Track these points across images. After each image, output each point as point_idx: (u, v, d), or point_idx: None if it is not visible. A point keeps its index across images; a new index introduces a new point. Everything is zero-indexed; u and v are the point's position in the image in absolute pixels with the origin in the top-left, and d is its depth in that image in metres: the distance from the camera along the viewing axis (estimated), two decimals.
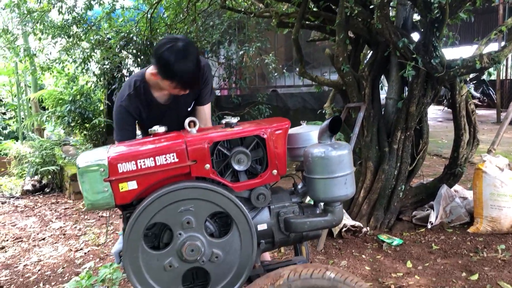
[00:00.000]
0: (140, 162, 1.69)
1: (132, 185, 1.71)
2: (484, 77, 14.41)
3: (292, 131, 2.15)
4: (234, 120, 1.87)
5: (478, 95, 13.82)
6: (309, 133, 2.03)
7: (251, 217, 1.81)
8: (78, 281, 2.63)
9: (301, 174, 2.06)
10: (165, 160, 1.71)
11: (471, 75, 14.58)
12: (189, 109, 2.39)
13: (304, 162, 1.84)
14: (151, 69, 2.17)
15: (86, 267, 3.51)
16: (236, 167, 1.79)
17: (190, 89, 2.13)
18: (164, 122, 2.03)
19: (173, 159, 1.71)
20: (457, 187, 4.11)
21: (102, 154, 1.71)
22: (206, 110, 2.43)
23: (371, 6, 3.57)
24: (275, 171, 1.83)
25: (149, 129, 1.89)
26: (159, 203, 1.65)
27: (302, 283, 1.51)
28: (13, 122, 13.27)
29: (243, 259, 1.75)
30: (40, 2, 5.50)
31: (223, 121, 1.88)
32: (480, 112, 13.68)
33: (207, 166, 1.74)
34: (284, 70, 8.13)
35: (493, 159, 3.60)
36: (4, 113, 14.08)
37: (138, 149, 1.73)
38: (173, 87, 2.08)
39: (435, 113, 13.69)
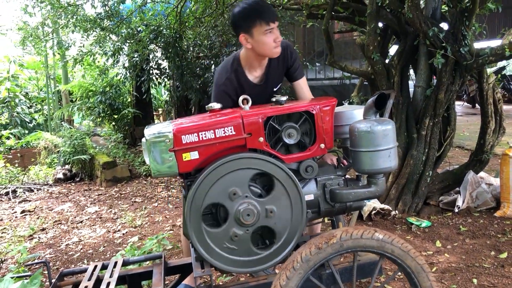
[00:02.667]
0: (201, 134, 1.86)
1: (194, 155, 1.87)
2: (505, 71, 14.36)
3: (336, 109, 2.30)
4: (283, 98, 2.02)
5: (498, 89, 13.72)
6: (352, 111, 2.17)
7: None
8: (124, 254, 2.82)
9: (343, 150, 2.22)
10: (224, 133, 1.87)
11: (491, 71, 14.53)
12: (275, 88, 2.52)
13: (350, 137, 1.98)
14: (242, 49, 2.34)
15: (130, 242, 3.71)
16: (287, 140, 1.94)
17: (270, 19, 2.15)
18: (256, 101, 2.17)
19: (231, 131, 1.88)
20: (482, 174, 4.20)
21: (167, 127, 1.88)
22: (302, 84, 2.54)
23: None
24: (322, 145, 1.98)
25: (206, 106, 2.05)
26: (218, 172, 1.81)
27: (353, 242, 1.66)
28: (39, 116, 13.63)
29: (293, 226, 1.90)
30: None
31: (273, 99, 2.03)
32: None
33: (261, 139, 1.90)
34: (308, 63, 8.25)
35: None
36: (30, 107, 14.45)
37: (200, 122, 1.90)
38: (258, 29, 2.16)
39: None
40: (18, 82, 13.82)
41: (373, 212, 3.75)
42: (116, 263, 2.15)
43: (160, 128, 1.90)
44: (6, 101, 12.35)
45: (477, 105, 13.56)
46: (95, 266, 2.13)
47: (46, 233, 4.74)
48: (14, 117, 12.36)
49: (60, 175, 7.62)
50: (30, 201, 6.28)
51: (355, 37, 5.80)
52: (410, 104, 3.97)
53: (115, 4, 6.20)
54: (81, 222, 4.98)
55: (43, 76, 12.73)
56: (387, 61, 4.17)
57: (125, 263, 2.19)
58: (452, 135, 3.93)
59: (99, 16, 6.36)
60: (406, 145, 3.91)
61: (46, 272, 2.26)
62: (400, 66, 3.92)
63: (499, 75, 4.04)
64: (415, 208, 3.91)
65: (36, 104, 14.49)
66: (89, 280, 1.98)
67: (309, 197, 2.03)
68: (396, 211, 3.85)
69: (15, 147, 10.64)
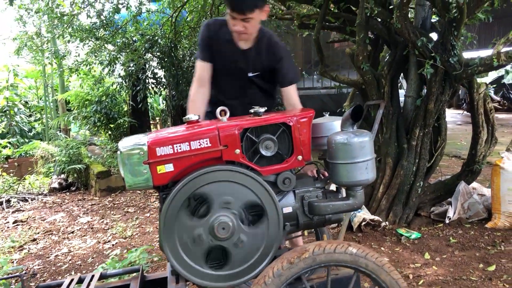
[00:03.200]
0: (176, 146, 1.84)
1: (169, 167, 1.85)
2: (505, 80, 14.36)
3: (315, 121, 2.29)
4: (262, 109, 2.00)
5: (498, 98, 13.73)
6: (332, 122, 2.15)
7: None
8: (105, 267, 2.79)
9: (324, 162, 2.19)
10: (199, 145, 1.85)
11: (491, 79, 14.53)
12: (251, 73, 2.46)
13: (328, 149, 1.96)
14: None
15: (112, 254, 3.68)
16: (264, 152, 1.92)
17: (233, 8, 2.18)
18: (228, 73, 2.32)
19: (207, 143, 1.85)
20: (475, 184, 4.17)
21: (142, 139, 1.86)
22: (290, 92, 2.47)
23: (391, 7, 3.69)
24: (300, 157, 1.95)
25: (184, 117, 2.04)
26: (196, 182, 1.79)
27: (326, 257, 1.64)
28: (38, 124, 13.66)
29: (269, 240, 1.87)
30: (72, 6, 5.74)
31: (251, 111, 2.02)
32: (500, 115, 13.58)
33: (237, 151, 1.87)
34: (304, 73, 8.25)
35: (511, 155, 3.67)
36: (30, 116, 14.49)
37: (175, 135, 1.88)
38: (228, 10, 2.21)
39: (454, 116, 13.63)
40: (18, 91, 13.88)
41: (363, 223, 3.71)
42: (93, 276, 2.12)
43: (134, 140, 1.88)
44: (5, 110, 12.38)
45: None
46: (72, 280, 2.10)
47: (37, 243, 4.71)
48: (13, 126, 12.39)
49: (56, 185, 7.60)
50: (23, 211, 6.26)
51: (345, 47, 5.80)
52: (400, 114, 3.96)
53: (110, 14, 6.21)
54: (73, 232, 4.95)
55: (42, 85, 12.77)
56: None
57: (102, 277, 2.16)
58: (443, 145, 3.91)
59: (94, 25, 6.38)
60: (396, 155, 3.88)
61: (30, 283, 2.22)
62: (390, 76, 3.91)
63: (489, 85, 4.00)
64: (406, 219, 3.88)
65: (35, 113, 14.53)
66: None
67: (287, 210, 2.01)
68: (387, 222, 3.82)
69: (13, 156, 10.65)
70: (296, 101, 2.51)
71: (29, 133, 13.42)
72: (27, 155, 10.17)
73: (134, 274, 2.19)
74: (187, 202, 1.83)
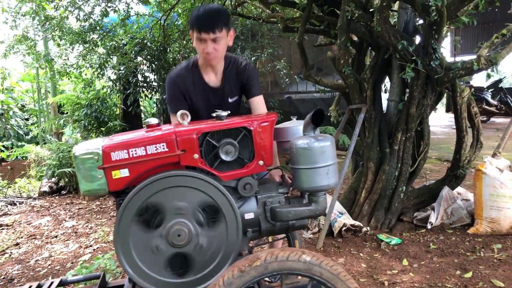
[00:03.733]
0: (131, 151, 1.80)
1: (124, 172, 1.81)
2: (502, 84, 14.30)
3: (282, 125, 2.25)
4: (224, 113, 1.96)
5: (495, 103, 13.65)
6: (298, 127, 2.12)
7: (238, 206, 1.91)
8: (77, 270, 2.75)
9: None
10: (156, 150, 1.81)
11: (489, 83, 14.47)
12: (231, 99, 2.48)
13: (290, 154, 1.92)
14: None
15: (81, 260, 3.64)
16: (224, 157, 1.88)
17: (202, 29, 2.17)
18: (208, 107, 2.28)
19: (163, 148, 1.81)
20: (460, 189, 4.13)
21: (97, 144, 1.82)
22: (257, 102, 2.49)
23: (371, 10, 3.65)
24: (261, 162, 1.91)
25: (144, 121, 2.00)
26: (148, 190, 1.75)
27: (278, 265, 1.59)
28: (35, 128, 13.64)
29: (228, 246, 1.83)
30: (56, 9, 5.71)
31: (213, 115, 1.98)
32: (497, 120, 13.55)
33: (196, 155, 1.83)
34: (296, 76, 8.23)
35: (494, 160, 3.62)
36: (27, 119, 14.49)
37: (130, 139, 1.84)
38: (193, 34, 2.22)
39: (451, 121, 13.56)
40: (14, 95, 13.89)
41: (344, 228, 3.66)
42: (52, 283, 2.08)
43: (89, 145, 1.84)
44: (0, 114, 12.38)
45: None
46: (30, 287, 2.06)
47: (19, 248, 4.66)
48: (8, 129, 12.38)
49: (46, 188, 7.57)
50: (11, 214, 6.22)
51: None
52: (383, 118, 3.91)
53: (99, 17, 6.19)
54: (56, 237, 4.91)
55: (41, 89, 12.76)
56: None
57: (62, 283, 2.11)
58: (426, 149, 3.86)
59: (83, 28, 6.35)
60: (378, 160, 3.84)
61: None
62: (372, 80, 3.86)
63: (472, 90, 3.95)
64: (388, 225, 3.83)
65: (32, 116, 14.53)
66: None
67: (249, 216, 1.96)
68: (368, 228, 3.77)
69: (8, 160, 10.64)
70: (263, 110, 2.49)
71: (26, 137, 13.42)
72: (22, 158, 10.16)
73: (94, 280, 2.15)
74: (143, 207, 1.78)
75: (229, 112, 2.02)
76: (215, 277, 1.80)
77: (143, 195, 1.75)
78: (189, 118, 1.97)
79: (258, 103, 2.50)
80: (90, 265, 3.07)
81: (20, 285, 3.19)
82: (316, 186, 1.87)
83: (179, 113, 1.96)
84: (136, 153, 1.80)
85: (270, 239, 2.94)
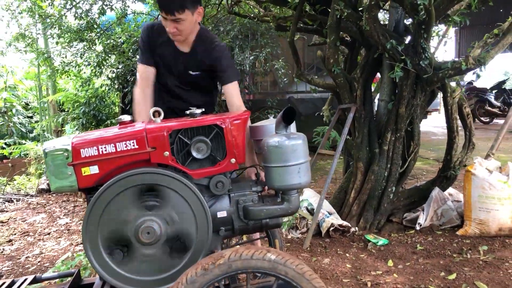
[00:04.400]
0: (101, 148, 1.79)
1: (94, 169, 1.81)
2: (506, 86, 14.18)
3: (258, 124, 2.23)
4: (198, 111, 1.96)
5: (498, 104, 13.54)
6: (273, 125, 2.10)
7: (210, 204, 1.91)
8: (57, 267, 2.75)
9: None
10: (126, 147, 1.81)
11: (492, 84, 14.36)
12: (193, 72, 2.46)
13: (262, 152, 1.91)
14: None
15: (63, 257, 3.65)
16: (195, 155, 1.87)
17: (164, 9, 2.17)
18: (170, 72, 2.39)
19: (133, 145, 1.81)
20: (451, 190, 4.10)
21: (67, 140, 1.82)
22: (229, 90, 2.43)
23: (360, 9, 3.62)
24: (233, 160, 1.90)
25: (116, 118, 1.99)
26: (116, 188, 1.74)
27: (242, 263, 1.57)
28: (38, 125, 13.71)
29: (198, 245, 1.82)
30: (51, 6, 5.73)
31: (187, 112, 1.97)
32: (501, 121, 13.42)
33: (166, 153, 1.83)
34: (294, 76, 8.19)
35: (484, 161, 3.59)
36: (31, 117, 14.56)
37: (100, 136, 1.83)
38: (161, 13, 2.22)
39: None
40: (18, 93, 13.96)
41: (331, 228, 3.64)
42: (25, 280, 2.08)
43: (60, 142, 1.84)
44: (3, 111, 12.44)
45: (476, 119, 13.40)
46: (3, 283, 2.06)
47: (12, 244, 4.68)
48: (10, 127, 12.44)
49: (44, 186, 7.59)
50: (7, 211, 6.25)
51: None
52: (372, 118, 3.89)
53: (96, 15, 6.20)
54: (49, 234, 4.93)
55: (44, 87, 12.82)
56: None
57: (36, 280, 2.11)
58: (416, 150, 3.83)
59: (80, 27, 6.37)
60: (368, 160, 3.82)
61: None
62: (363, 79, 3.84)
63: (463, 90, 3.92)
64: (377, 225, 3.80)
65: (36, 114, 14.59)
66: None
67: (222, 214, 1.96)
68: (357, 228, 3.74)
69: (10, 157, 10.69)
70: (237, 100, 2.45)
71: (30, 134, 13.49)
72: (25, 155, 10.21)
73: (69, 278, 2.14)
74: (112, 205, 1.77)
75: (203, 109, 2.01)
76: None
77: (112, 191, 1.75)
78: (162, 116, 1.96)
79: (231, 92, 2.45)
80: (70, 262, 3.08)
81: None
82: (288, 185, 1.86)
83: (151, 110, 1.96)
84: (105, 150, 1.80)
85: (245, 238, 2.93)
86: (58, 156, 1.79)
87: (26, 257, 4.20)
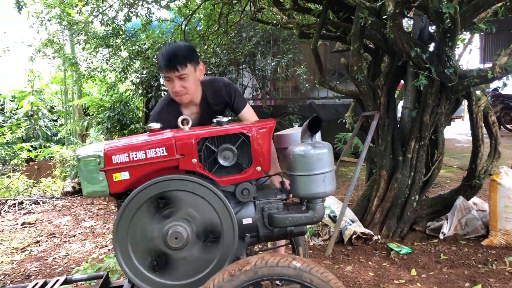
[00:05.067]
0: (132, 154, 1.85)
1: (125, 175, 1.86)
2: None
3: (283, 132, 2.27)
4: (225, 119, 2.00)
5: None
6: (298, 134, 2.13)
7: (236, 211, 1.94)
8: (82, 270, 2.82)
9: None
10: (155, 154, 1.86)
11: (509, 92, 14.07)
12: (210, 118, 2.44)
13: (287, 160, 1.94)
14: None
15: (90, 258, 3.73)
16: (222, 162, 1.91)
17: (166, 69, 2.22)
18: None
19: (163, 152, 1.86)
20: (476, 199, 4.05)
21: (99, 147, 1.88)
22: (244, 115, 2.52)
23: (385, 17, 3.63)
24: (259, 168, 1.93)
25: (146, 126, 2.05)
26: (146, 193, 1.79)
27: (268, 270, 1.60)
28: (63, 129, 14.01)
29: (224, 251, 1.86)
30: (80, 13, 5.89)
31: (214, 120, 2.01)
32: None
33: (194, 160, 1.87)
34: (315, 82, 8.21)
35: (510, 170, 3.54)
36: (56, 120, 14.89)
37: (131, 143, 1.89)
38: (162, 73, 2.29)
39: None
40: (44, 96, 14.29)
41: (354, 236, 3.64)
42: (57, 281, 2.14)
43: (92, 148, 1.90)
44: (29, 115, 12.75)
45: (502, 127, 13.14)
46: (36, 283, 2.13)
47: (39, 246, 4.81)
48: (36, 130, 12.74)
49: (69, 188, 7.76)
50: (34, 213, 6.42)
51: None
52: (396, 126, 3.87)
53: (122, 22, 6.33)
54: (74, 236, 5.04)
55: (69, 91, 13.11)
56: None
57: (67, 282, 2.18)
58: (440, 158, 3.80)
59: (106, 33, 6.51)
60: (391, 168, 3.80)
61: None
62: (386, 87, 3.83)
63: (488, 98, 3.87)
64: (400, 234, 3.78)
65: (61, 118, 14.92)
66: None
67: (247, 221, 1.99)
68: (379, 236, 3.73)
69: (36, 160, 10.97)
70: (254, 118, 2.52)
71: (55, 137, 13.79)
72: (50, 158, 10.45)
73: (97, 280, 2.21)
74: (141, 210, 1.82)
75: (230, 118, 2.06)
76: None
77: (142, 197, 1.80)
78: (190, 124, 2.01)
79: (246, 116, 2.54)
80: (97, 264, 3.15)
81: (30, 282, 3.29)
82: (313, 193, 1.88)
83: (180, 118, 2.01)
84: (136, 157, 1.85)
85: (269, 245, 2.95)
86: (90, 162, 1.85)
87: (53, 258, 4.31)
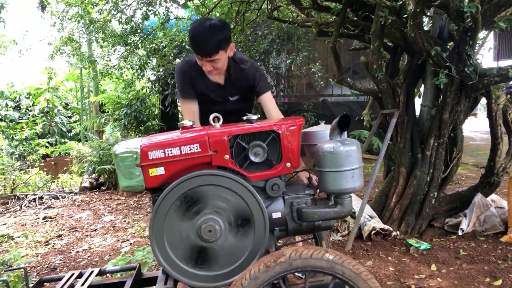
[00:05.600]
0: (167, 151, 1.92)
1: (160, 170, 1.93)
2: None
3: (311, 129, 2.33)
4: (254, 117, 2.06)
5: None
6: (325, 131, 2.20)
7: (266, 205, 2.01)
8: (115, 262, 2.90)
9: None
10: (189, 150, 1.93)
11: None
12: (232, 98, 2.60)
13: (316, 157, 2.00)
14: None
15: (122, 251, 3.82)
16: (253, 158, 1.97)
17: (200, 54, 2.29)
18: (212, 102, 2.51)
19: (197, 149, 1.93)
20: (494, 197, 4.07)
21: (135, 143, 1.96)
22: (265, 99, 2.59)
23: (405, 15, 3.66)
24: (288, 164, 2.00)
25: (179, 123, 2.12)
26: (182, 187, 1.87)
27: (302, 262, 1.67)
28: (77, 125, 14.20)
29: (255, 243, 1.93)
30: (100, 13, 5.99)
31: (244, 118, 2.08)
32: None
33: (226, 156, 1.94)
34: (331, 80, 8.24)
35: None
36: (70, 117, 15.10)
37: (166, 139, 1.96)
38: (196, 55, 2.34)
39: None
40: (59, 93, 14.49)
41: (373, 232, 3.69)
42: (92, 272, 2.23)
43: (129, 144, 1.97)
44: (45, 111, 12.95)
45: None
46: (72, 274, 2.22)
47: (62, 239, 4.92)
48: (52, 127, 12.94)
49: (87, 184, 7.90)
50: (54, 208, 6.55)
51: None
52: (415, 123, 3.91)
53: (140, 20, 6.42)
54: (95, 230, 5.15)
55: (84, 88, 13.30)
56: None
57: (101, 273, 2.26)
58: (459, 156, 3.83)
59: (124, 31, 6.61)
60: (410, 165, 3.85)
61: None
62: (406, 85, 3.87)
63: (507, 96, 3.90)
64: (419, 230, 3.83)
65: (75, 115, 15.12)
66: (62, 287, 2.07)
67: (277, 215, 2.05)
68: (398, 232, 3.78)
69: (52, 156, 11.15)
70: (274, 108, 2.59)
71: (69, 134, 14.00)
72: (65, 154, 10.63)
73: (131, 271, 2.29)
74: (177, 204, 1.90)
75: (259, 115, 2.12)
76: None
77: (178, 191, 1.87)
78: (221, 121, 2.08)
79: (267, 101, 2.60)
80: (128, 257, 3.24)
81: (62, 273, 3.39)
82: (342, 189, 1.94)
83: (211, 116, 2.07)
84: (171, 153, 1.93)
85: (297, 239, 3.02)
86: (127, 158, 1.93)
87: (76, 252, 4.41)
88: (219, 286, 1.95)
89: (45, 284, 2.27)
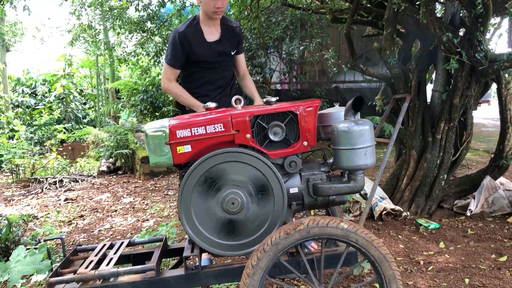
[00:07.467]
0: (194, 130, 2.09)
1: (187, 148, 2.10)
2: None
3: (326, 111, 2.47)
4: (273, 99, 2.21)
5: None
6: (340, 112, 2.34)
7: (284, 181, 2.16)
8: (140, 236, 3.09)
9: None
10: (214, 129, 2.09)
11: None
12: (232, 52, 2.98)
13: (331, 136, 2.15)
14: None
15: (146, 226, 4.02)
16: (272, 137, 2.13)
17: None
18: (213, 57, 2.87)
19: (221, 128, 2.09)
20: (503, 179, 4.18)
21: (164, 123, 2.12)
22: (241, 59, 3.12)
23: (418, 2, 3.76)
24: (305, 143, 2.15)
25: (203, 105, 2.28)
26: (208, 163, 2.03)
27: (319, 230, 1.83)
28: (92, 112, 14.48)
29: (275, 215, 2.09)
30: (120, 0, 6.14)
31: (264, 100, 2.23)
32: None
33: (248, 135, 2.10)
34: (343, 66, 8.32)
35: None
36: (85, 103, 15.38)
37: (193, 120, 2.13)
38: None
39: None
40: (74, 80, 14.75)
41: (384, 212, 3.84)
42: (122, 243, 2.41)
43: (159, 124, 2.14)
44: (61, 98, 13.21)
45: None
46: (104, 245, 2.41)
47: (84, 219, 5.14)
48: (68, 113, 13.20)
49: (104, 168, 8.13)
50: (74, 190, 6.78)
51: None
52: (426, 108, 4.02)
53: (156, 7, 6.56)
54: (116, 211, 5.36)
55: (96, 75, 13.52)
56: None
57: (130, 244, 2.45)
58: (468, 139, 3.95)
59: (141, 18, 6.76)
60: (421, 148, 3.97)
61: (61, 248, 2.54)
62: (417, 71, 3.98)
63: None
64: (428, 211, 3.96)
65: (90, 101, 15.39)
66: (95, 255, 2.26)
67: (294, 190, 2.21)
68: (408, 213, 3.92)
69: (67, 140, 11.42)
70: (244, 67, 3.15)
71: (84, 120, 14.28)
72: (81, 140, 10.89)
73: (158, 243, 2.47)
74: (202, 178, 2.06)
75: (277, 98, 2.27)
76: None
77: (203, 167, 2.04)
78: (242, 102, 2.23)
79: (242, 60, 3.13)
80: (153, 231, 3.44)
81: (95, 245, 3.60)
82: (355, 165, 2.09)
83: (233, 98, 2.23)
84: (197, 132, 2.09)
85: (312, 213, 3.17)
86: (157, 137, 2.10)
87: (99, 231, 4.63)
88: (241, 254, 2.13)
89: (78, 253, 2.46)
